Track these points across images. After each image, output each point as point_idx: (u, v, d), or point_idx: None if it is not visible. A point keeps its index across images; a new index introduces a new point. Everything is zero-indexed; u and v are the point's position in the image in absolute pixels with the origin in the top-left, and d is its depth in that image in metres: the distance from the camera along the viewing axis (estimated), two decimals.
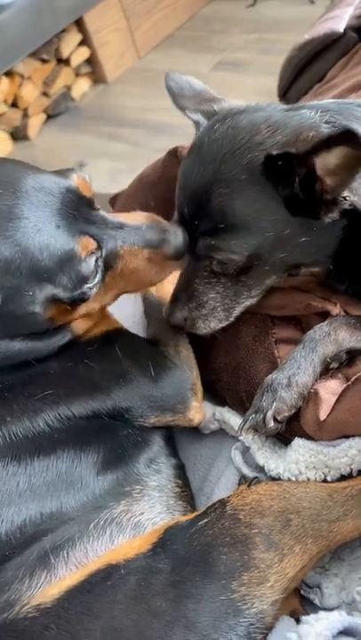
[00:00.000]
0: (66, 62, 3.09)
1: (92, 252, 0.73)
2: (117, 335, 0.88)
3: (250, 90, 2.89)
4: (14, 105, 2.98)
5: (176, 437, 0.94)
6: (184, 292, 0.85)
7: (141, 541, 0.69)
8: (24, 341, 0.75)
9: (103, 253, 0.75)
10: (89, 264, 0.73)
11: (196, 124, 0.87)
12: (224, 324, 0.86)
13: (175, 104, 0.92)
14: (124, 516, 0.73)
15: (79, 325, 0.82)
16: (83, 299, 0.74)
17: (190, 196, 0.80)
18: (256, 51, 3.14)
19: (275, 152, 0.73)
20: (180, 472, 0.88)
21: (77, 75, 3.20)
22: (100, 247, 0.75)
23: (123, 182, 1.44)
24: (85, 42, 3.12)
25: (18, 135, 3.05)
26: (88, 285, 0.74)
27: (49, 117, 3.16)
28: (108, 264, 0.77)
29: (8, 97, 2.92)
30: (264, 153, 0.75)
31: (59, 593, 0.63)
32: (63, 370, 0.79)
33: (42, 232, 0.69)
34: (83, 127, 3.09)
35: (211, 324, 0.86)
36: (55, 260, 0.70)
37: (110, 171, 2.71)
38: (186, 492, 0.86)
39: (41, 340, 0.77)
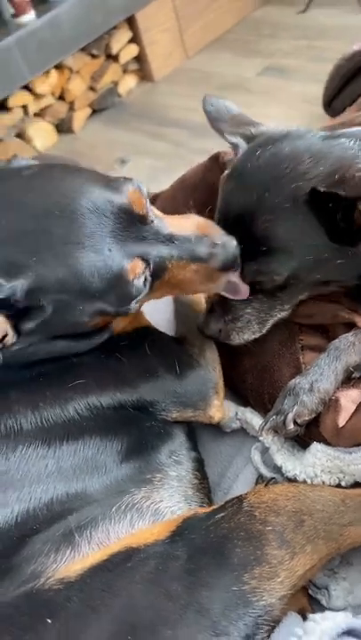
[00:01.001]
0: (114, 59, 3.14)
1: (141, 273, 0.76)
2: (147, 332, 0.92)
3: (295, 97, 2.90)
4: (61, 98, 3.05)
5: (198, 433, 0.98)
6: (220, 306, 0.89)
7: (160, 528, 0.72)
8: (66, 341, 0.79)
9: (152, 269, 0.77)
10: (137, 285, 0.75)
11: (235, 146, 0.91)
12: (257, 335, 0.90)
13: (213, 127, 0.95)
14: (144, 502, 0.76)
15: (118, 324, 0.86)
16: (127, 312, 0.77)
17: (233, 220, 0.83)
18: (304, 57, 3.14)
19: (322, 189, 0.76)
20: (200, 465, 0.91)
21: (125, 71, 3.25)
22: (148, 264, 0.77)
23: (161, 181, 1.47)
24: (135, 39, 3.16)
25: (63, 128, 3.11)
26: (135, 301, 0.76)
27: (94, 112, 3.22)
28: (156, 275, 0.79)
29: (56, 90, 2.98)
30: (308, 184, 0.78)
31: (82, 569, 0.66)
32: (95, 362, 0.83)
33: (93, 257, 0.71)
34: (126, 124, 3.14)
35: (244, 335, 0.90)
36: (105, 282, 0.72)
37: (150, 169, 2.75)
38: (204, 484, 0.89)
39: (82, 340, 0.81)
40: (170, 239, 0.79)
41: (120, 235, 0.74)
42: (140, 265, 0.75)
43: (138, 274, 0.75)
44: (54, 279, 0.70)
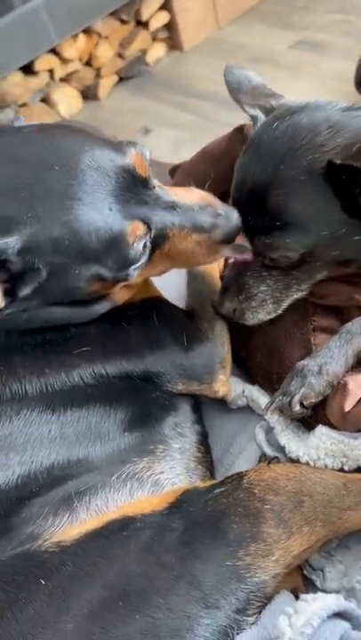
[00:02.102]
0: (144, 25, 3.08)
1: (141, 237, 0.74)
2: (156, 303, 0.91)
3: (326, 73, 2.83)
4: (88, 64, 3.00)
5: (204, 408, 0.98)
6: (234, 284, 0.87)
7: (159, 499, 0.73)
8: (65, 308, 0.77)
9: (152, 235, 0.76)
10: (136, 248, 0.73)
11: (254, 118, 0.89)
12: (272, 315, 0.89)
13: (233, 97, 0.93)
14: (144, 473, 0.77)
15: (120, 296, 0.84)
16: (126, 278, 0.76)
17: (247, 192, 0.82)
18: (339, 32, 3.05)
19: (338, 162, 0.74)
20: (203, 439, 0.91)
21: (154, 39, 3.18)
22: (149, 229, 0.75)
23: (184, 153, 1.45)
24: (166, 6, 3.09)
25: (88, 94, 3.07)
26: (133, 267, 0.75)
27: (120, 79, 3.16)
28: (156, 244, 0.77)
29: (83, 55, 2.93)
30: (325, 156, 0.76)
31: (78, 534, 0.67)
32: (103, 330, 0.82)
33: (93, 215, 0.69)
34: (153, 93, 3.09)
35: (259, 315, 0.88)
36: (103, 243, 0.70)
37: (174, 140, 2.71)
38: (206, 458, 0.89)
39: (81, 308, 0.79)
40: (172, 206, 0.77)
41: (122, 195, 0.72)
42: (141, 227, 0.74)
43: (138, 236, 0.73)
44: (50, 237, 0.68)
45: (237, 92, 0.93)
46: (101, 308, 0.82)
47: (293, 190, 0.78)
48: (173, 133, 2.76)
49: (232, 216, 0.80)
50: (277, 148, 0.80)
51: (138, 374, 0.83)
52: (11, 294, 0.70)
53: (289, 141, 0.79)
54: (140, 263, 0.75)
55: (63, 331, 0.79)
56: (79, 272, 0.72)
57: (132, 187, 0.73)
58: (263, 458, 0.89)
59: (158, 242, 0.77)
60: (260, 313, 0.88)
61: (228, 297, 0.89)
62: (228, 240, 0.81)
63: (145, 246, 0.75)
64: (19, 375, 0.76)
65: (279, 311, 0.89)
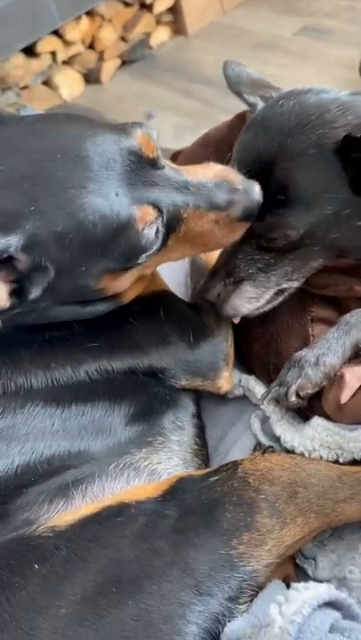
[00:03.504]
0: (148, 8, 3.04)
1: (152, 222, 0.70)
2: (163, 298, 0.90)
3: (332, 60, 2.80)
4: (91, 47, 2.97)
5: (201, 396, 0.98)
6: (223, 267, 0.86)
7: (154, 487, 0.73)
8: (72, 307, 0.76)
9: (165, 218, 0.72)
10: (148, 235, 0.70)
11: (253, 105, 0.88)
12: (258, 304, 0.87)
13: (232, 90, 0.93)
14: (142, 462, 0.77)
15: (128, 296, 0.83)
16: (136, 266, 0.73)
17: (250, 167, 0.80)
18: (345, 19, 3.01)
19: (359, 134, 0.72)
20: (201, 432, 0.92)
21: (158, 23, 3.14)
22: (161, 213, 0.71)
23: (186, 139, 1.43)
24: None
25: (90, 77, 3.04)
26: (145, 255, 0.72)
27: (123, 63, 3.13)
28: (171, 227, 0.73)
29: (86, 38, 2.90)
30: (336, 132, 0.76)
31: (73, 520, 0.68)
32: (108, 326, 0.82)
33: (98, 203, 0.66)
34: (156, 77, 3.06)
35: (244, 303, 0.86)
36: (111, 232, 0.67)
37: (176, 126, 2.69)
38: (203, 451, 0.90)
39: (88, 307, 0.78)
40: (185, 186, 0.73)
41: (129, 179, 0.68)
42: (151, 212, 0.70)
43: (148, 222, 0.70)
44: (54, 231, 0.65)
45: (237, 84, 0.93)
46: (109, 306, 0.80)
47: (300, 164, 0.77)
48: (176, 119, 2.74)
49: (252, 190, 0.76)
50: (284, 123, 0.78)
51: (142, 370, 0.83)
52: (19, 294, 0.68)
53: (297, 117, 0.78)
54: (152, 250, 0.72)
55: (70, 327, 0.79)
56: (86, 269, 0.69)
57: (140, 169, 0.70)
58: (258, 447, 0.89)
59: (172, 225, 0.73)
60: (245, 302, 0.86)
61: (214, 281, 0.86)
62: (248, 216, 0.77)
63: (157, 231, 0.72)
64: (25, 369, 0.76)
65: (264, 300, 0.86)
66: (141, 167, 0.70)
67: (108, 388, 0.80)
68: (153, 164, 0.72)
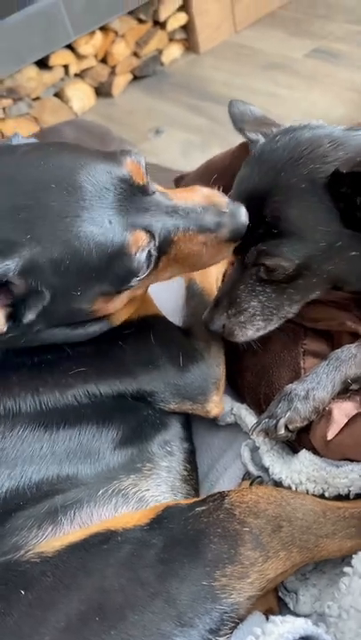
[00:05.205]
0: (162, 26, 3.09)
1: (144, 247, 0.73)
2: (153, 321, 0.91)
3: (341, 83, 2.83)
4: (103, 61, 3.01)
5: (193, 423, 0.99)
6: (226, 298, 0.88)
7: (141, 515, 0.74)
8: (64, 329, 0.78)
9: (157, 242, 0.75)
10: (140, 259, 0.73)
11: (254, 142, 0.90)
12: (261, 333, 0.89)
13: (235, 127, 0.96)
14: (130, 489, 0.79)
15: (119, 317, 0.85)
16: (129, 288, 0.76)
17: (246, 200, 0.82)
18: (355, 43, 3.05)
19: (345, 170, 0.75)
20: (191, 457, 0.93)
21: (171, 40, 3.19)
22: (153, 237, 0.74)
23: (194, 156, 1.45)
24: (185, 8, 3.10)
25: (102, 91, 3.08)
26: (137, 278, 0.74)
27: (135, 78, 3.18)
28: (163, 250, 0.76)
29: (99, 52, 2.94)
30: (327, 166, 0.78)
31: (60, 546, 0.69)
32: (98, 350, 0.83)
33: (93, 230, 0.68)
34: (166, 93, 3.09)
35: (248, 332, 0.89)
36: (105, 258, 0.70)
37: (184, 143, 2.72)
38: (192, 476, 0.91)
39: (80, 329, 0.80)
40: (174, 210, 0.76)
41: (121, 206, 0.71)
42: (143, 237, 0.73)
43: (141, 247, 0.72)
44: (50, 259, 0.67)
45: (241, 122, 0.96)
46: (100, 327, 0.82)
47: (292, 198, 0.80)
48: (184, 136, 2.77)
49: (238, 213, 0.79)
50: (278, 157, 0.82)
51: (131, 394, 0.84)
52: (14, 318, 0.70)
53: (291, 152, 0.81)
54: (144, 274, 0.75)
55: (59, 350, 0.80)
56: (81, 293, 0.72)
57: (131, 196, 0.72)
58: (247, 476, 0.90)
59: (164, 247, 0.76)
60: (249, 330, 0.89)
61: (218, 312, 0.89)
62: (235, 238, 0.80)
63: (150, 255, 0.74)
64: (14, 393, 0.77)
65: (268, 329, 0.89)
66: (132, 194, 0.73)
67: (97, 411, 0.81)
68: (143, 190, 0.74)
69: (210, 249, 0.80)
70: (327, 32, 3.17)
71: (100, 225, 0.69)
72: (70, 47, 2.82)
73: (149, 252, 0.74)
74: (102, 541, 0.70)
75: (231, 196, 0.85)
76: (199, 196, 0.80)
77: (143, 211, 0.73)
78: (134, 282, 0.75)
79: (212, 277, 1.06)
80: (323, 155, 0.80)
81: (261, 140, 0.90)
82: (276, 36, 3.26)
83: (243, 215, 0.79)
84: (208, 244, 0.79)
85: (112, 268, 0.72)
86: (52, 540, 0.70)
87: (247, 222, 0.79)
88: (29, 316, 0.70)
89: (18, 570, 0.67)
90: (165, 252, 0.77)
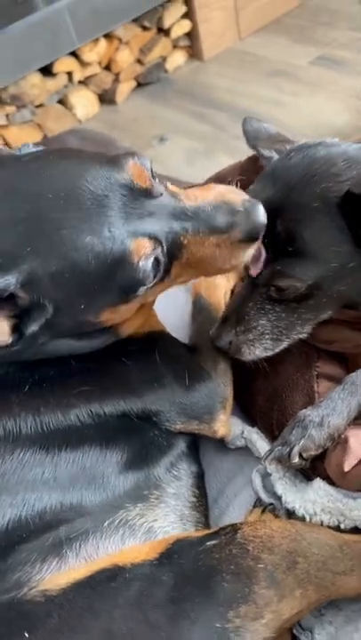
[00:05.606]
0: (166, 33, 3.06)
1: (149, 254, 0.69)
2: (159, 338, 0.88)
3: (345, 90, 2.81)
4: (107, 68, 2.99)
5: (202, 445, 0.96)
6: (235, 314, 0.86)
7: (150, 548, 0.71)
8: (69, 341, 0.75)
9: (165, 248, 0.71)
10: (144, 268, 0.69)
11: (268, 159, 0.89)
12: (269, 353, 0.87)
13: (249, 144, 0.95)
14: (137, 520, 0.75)
15: (125, 329, 0.82)
16: (136, 298, 0.72)
17: None
18: (359, 50, 3.03)
19: (357, 191, 0.74)
20: (199, 481, 0.90)
21: (175, 47, 3.16)
22: (159, 243, 0.70)
23: (198, 164, 1.42)
24: (189, 15, 3.07)
25: (105, 98, 3.06)
26: (144, 287, 0.71)
27: (138, 85, 3.15)
28: (173, 255, 0.72)
29: (103, 59, 2.92)
30: (340, 185, 0.76)
31: (65, 583, 0.66)
32: (102, 367, 0.80)
33: (92, 241, 0.65)
34: (170, 101, 3.07)
35: (256, 350, 0.86)
36: (106, 269, 0.67)
37: (188, 150, 2.69)
38: (201, 502, 0.88)
39: (85, 341, 0.77)
40: (182, 212, 0.71)
41: (122, 213, 0.67)
42: (146, 244, 0.68)
43: (145, 255, 0.68)
44: (49, 273, 0.65)
45: (255, 139, 0.94)
46: (106, 339, 0.79)
47: (305, 217, 0.78)
48: (188, 143, 2.75)
49: (254, 211, 0.73)
50: (291, 175, 0.80)
51: (136, 413, 0.81)
52: (18, 330, 0.68)
53: (304, 169, 0.79)
54: (151, 283, 0.71)
55: (63, 366, 0.77)
56: (85, 306, 0.69)
57: (134, 201, 0.69)
58: (259, 503, 0.87)
59: (174, 252, 0.72)
60: (257, 348, 0.86)
61: (225, 328, 0.87)
62: (250, 238, 0.75)
63: (158, 262, 0.71)
64: (14, 413, 0.74)
65: (276, 350, 0.87)
66: (135, 199, 0.69)
67: (100, 432, 0.78)
68: (147, 193, 0.71)
69: (224, 251, 0.74)
70: (331, 39, 3.15)
71: (99, 235, 0.66)
72: (74, 54, 2.80)
73: (156, 258, 0.70)
74: (110, 578, 0.67)
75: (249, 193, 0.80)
76: (212, 194, 0.75)
77: (147, 215, 0.69)
78: (141, 291, 0.71)
79: (220, 292, 1.04)
80: (336, 174, 0.78)
81: (275, 156, 0.87)
82: (281, 43, 3.24)
83: (260, 214, 0.74)
84: (221, 246, 0.74)
85: (115, 279, 0.68)
86: (57, 575, 0.67)
87: (265, 221, 0.74)
88: (33, 328, 0.68)
89: (21, 610, 0.64)
90: (176, 257, 0.73)
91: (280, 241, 0.79)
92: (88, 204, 0.66)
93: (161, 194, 0.72)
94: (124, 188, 0.68)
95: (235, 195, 0.75)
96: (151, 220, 0.70)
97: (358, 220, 0.76)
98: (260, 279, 0.82)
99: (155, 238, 0.70)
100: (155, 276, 0.71)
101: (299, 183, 0.79)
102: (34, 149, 0.77)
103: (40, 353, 0.75)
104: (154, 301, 0.87)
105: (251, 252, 0.77)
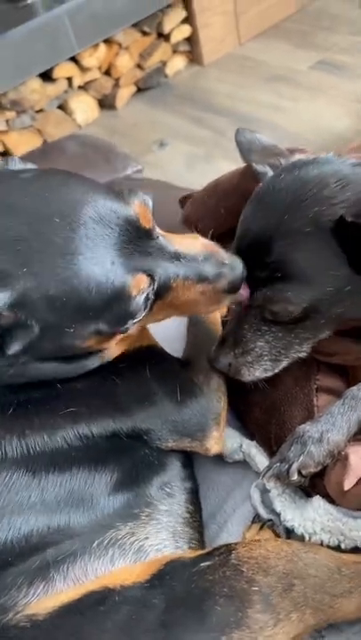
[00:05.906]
0: (166, 38, 3.06)
1: (144, 290, 0.70)
2: (150, 353, 0.86)
3: (346, 95, 2.80)
4: (107, 73, 2.98)
5: (198, 459, 0.93)
6: (232, 336, 0.84)
7: (141, 570, 0.68)
8: (53, 364, 0.74)
9: (155, 287, 0.73)
10: (138, 302, 0.70)
11: (262, 176, 0.86)
12: (269, 374, 0.84)
13: (243, 158, 0.92)
14: (127, 539, 0.73)
15: (113, 352, 0.80)
16: (124, 331, 0.73)
17: (249, 243, 0.79)
18: (360, 55, 3.02)
19: (350, 219, 0.71)
20: (193, 497, 0.87)
21: (175, 52, 3.16)
22: (153, 281, 0.72)
23: (198, 168, 1.40)
24: (189, 20, 3.07)
25: (105, 103, 3.06)
26: (133, 321, 0.71)
27: (139, 90, 3.15)
28: (159, 294, 0.74)
29: (103, 64, 2.92)
30: (333, 209, 0.74)
31: (52, 607, 0.63)
32: (89, 386, 0.78)
33: (94, 270, 0.65)
34: (170, 105, 3.06)
35: (256, 372, 0.84)
36: (104, 298, 0.67)
37: (188, 155, 2.68)
38: (195, 518, 0.85)
39: (70, 364, 0.76)
40: (176, 257, 0.74)
41: (125, 248, 0.68)
42: (144, 280, 0.70)
43: (141, 290, 0.70)
44: (45, 295, 0.64)
45: (248, 152, 0.91)
46: (92, 363, 0.78)
47: (297, 242, 0.76)
48: (187, 148, 2.74)
49: (237, 265, 0.77)
50: (282, 198, 0.77)
51: (126, 432, 0.79)
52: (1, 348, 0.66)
53: (295, 192, 0.77)
54: (140, 317, 0.72)
55: (48, 387, 0.75)
56: (75, 330, 0.68)
57: (136, 238, 0.70)
58: (257, 519, 0.84)
59: (161, 292, 0.74)
60: (256, 369, 0.84)
61: (223, 350, 0.85)
62: (232, 289, 0.78)
63: (147, 298, 0.72)
64: None
65: (276, 370, 0.85)
66: (137, 237, 0.70)
67: (89, 454, 0.76)
68: (148, 234, 0.72)
69: (206, 298, 0.78)
70: (331, 44, 3.14)
71: (103, 265, 0.66)
72: (74, 59, 2.79)
73: (147, 295, 0.72)
74: (98, 601, 0.64)
75: (236, 237, 0.82)
76: (200, 245, 0.78)
77: (146, 254, 0.71)
78: (130, 324, 0.72)
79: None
80: (329, 196, 0.75)
81: (270, 173, 0.85)
82: (281, 47, 3.23)
83: (241, 268, 0.78)
84: (205, 294, 0.77)
85: (110, 309, 0.69)
86: (44, 599, 0.65)
87: (245, 275, 0.78)
88: (15, 347, 0.66)
89: (7, 636, 0.61)
90: (161, 297, 0.75)
91: (272, 267, 0.77)
92: (94, 234, 0.66)
93: (158, 236, 0.74)
94: (129, 224, 0.69)
95: (218, 249, 0.79)
96: (149, 258, 0.71)
97: (354, 244, 0.73)
98: (254, 303, 0.81)
99: (151, 276, 0.71)
100: (143, 311, 0.72)
101: (290, 208, 0.76)
102: (21, 165, 0.76)
103: (23, 376, 0.73)
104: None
105: (230, 300, 0.81)
